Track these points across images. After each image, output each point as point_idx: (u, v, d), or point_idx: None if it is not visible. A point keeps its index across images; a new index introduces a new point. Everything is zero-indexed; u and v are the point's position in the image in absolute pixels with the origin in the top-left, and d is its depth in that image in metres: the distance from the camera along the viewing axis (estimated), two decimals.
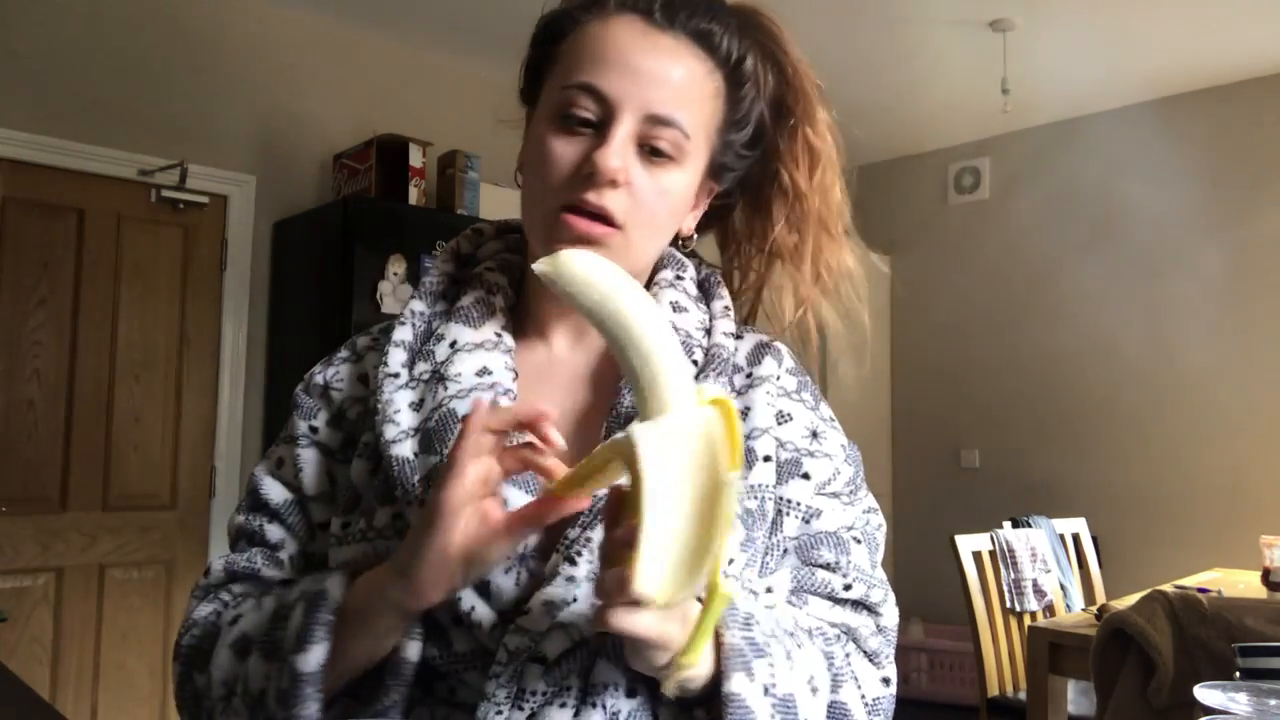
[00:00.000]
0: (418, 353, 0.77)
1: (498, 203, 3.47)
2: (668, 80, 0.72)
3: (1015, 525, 3.12)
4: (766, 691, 0.64)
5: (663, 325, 0.58)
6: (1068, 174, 4.52)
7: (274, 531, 0.78)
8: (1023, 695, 2.67)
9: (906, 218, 4.92)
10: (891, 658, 0.79)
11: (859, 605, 0.79)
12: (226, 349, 3.36)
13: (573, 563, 0.67)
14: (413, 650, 0.67)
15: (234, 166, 3.38)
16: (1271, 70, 3.94)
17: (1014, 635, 2.88)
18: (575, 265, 0.59)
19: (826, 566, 0.77)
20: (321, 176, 3.56)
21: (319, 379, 0.82)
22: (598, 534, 0.67)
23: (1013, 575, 2.94)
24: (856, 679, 0.74)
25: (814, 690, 0.68)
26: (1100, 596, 3.25)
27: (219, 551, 3.56)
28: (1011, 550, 2.96)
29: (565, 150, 0.72)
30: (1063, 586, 3.10)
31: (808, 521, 0.77)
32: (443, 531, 0.60)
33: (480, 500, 0.61)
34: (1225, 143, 4.06)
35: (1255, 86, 4.01)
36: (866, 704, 0.74)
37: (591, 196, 0.71)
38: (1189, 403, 4.07)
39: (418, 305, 0.81)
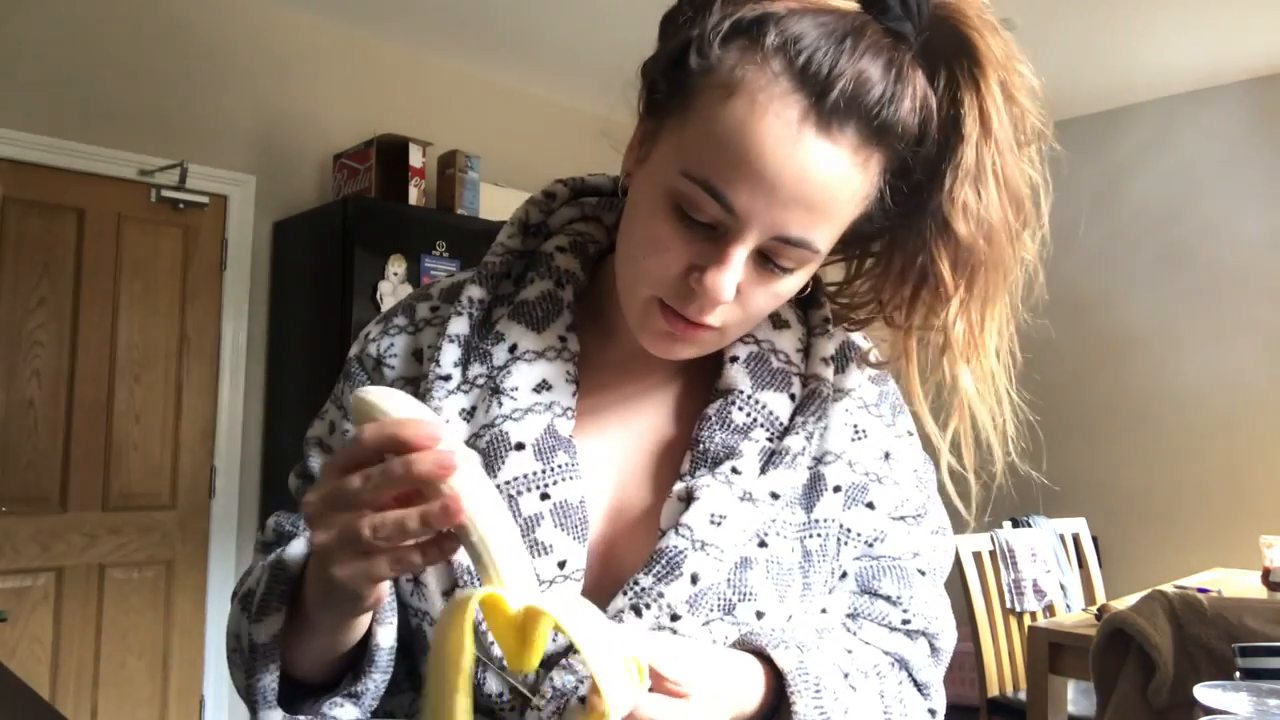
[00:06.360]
0: (474, 349, 0.70)
1: (498, 203, 3.47)
2: (811, 202, 0.58)
3: (1015, 525, 3.12)
4: None
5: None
6: (1068, 174, 4.50)
7: None
8: (1023, 695, 2.67)
9: None
10: (940, 687, 0.77)
11: (917, 634, 0.76)
12: (226, 349, 3.36)
13: (639, 614, 0.64)
14: (385, 636, 0.65)
15: (234, 166, 3.38)
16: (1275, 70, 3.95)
17: (1014, 635, 2.88)
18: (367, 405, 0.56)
19: (887, 599, 0.74)
20: (321, 176, 3.56)
21: (372, 349, 0.75)
22: (672, 592, 0.64)
23: (1013, 575, 2.94)
24: (906, 713, 0.73)
25: None
26: (1100, 596, 3.24)
27: (218, 552, 3.53)
28: (1011, 550, 2.96)
29: (674, 245, 0.61)
30: (1062, 586, 3.09)
31: (871, 545, 0.74)
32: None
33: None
34: (1223, 142, 4.06)
35: (1261, 86, 4.01)
36: None
37: (692, 312, 0.62)
38: (1189, 402, 4.07)
39: (476, 292, 0.72)
